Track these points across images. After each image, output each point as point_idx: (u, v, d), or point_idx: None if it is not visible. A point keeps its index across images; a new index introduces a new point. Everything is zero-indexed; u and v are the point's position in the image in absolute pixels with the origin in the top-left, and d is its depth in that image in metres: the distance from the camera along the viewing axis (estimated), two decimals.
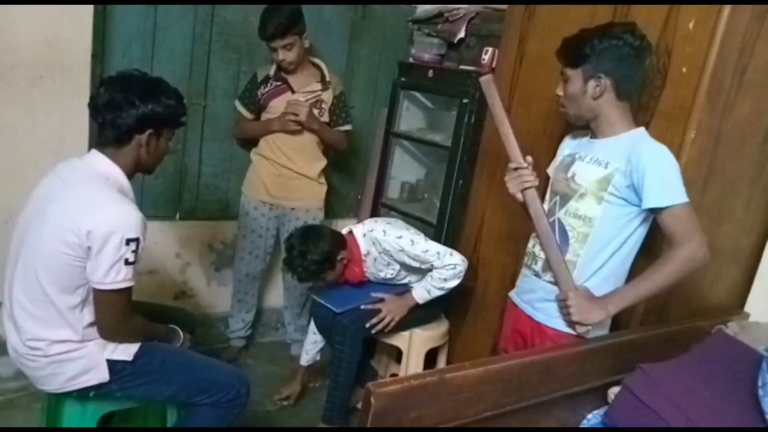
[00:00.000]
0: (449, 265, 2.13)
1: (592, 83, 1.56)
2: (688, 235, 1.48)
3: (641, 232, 1.60)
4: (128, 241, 1.49)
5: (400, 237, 2.15)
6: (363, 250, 2.22)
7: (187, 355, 1.80)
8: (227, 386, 1.75)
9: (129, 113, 1.55)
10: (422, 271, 2.23)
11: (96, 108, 1.58)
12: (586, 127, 1.68)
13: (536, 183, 1.67)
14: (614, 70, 1.54)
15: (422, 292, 2.18)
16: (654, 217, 1.55)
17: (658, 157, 1.51)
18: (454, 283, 2.15)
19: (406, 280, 2.32)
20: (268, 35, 2.42)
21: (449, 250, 2.16)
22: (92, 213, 1.48)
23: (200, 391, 1.71)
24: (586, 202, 1.60)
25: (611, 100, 1.57)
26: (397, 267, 2.22)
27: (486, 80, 1.75)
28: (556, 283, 1.64)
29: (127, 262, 1.50)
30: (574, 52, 1.58)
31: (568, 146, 1.76)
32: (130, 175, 1.63)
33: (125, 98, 1.55)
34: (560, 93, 1.64)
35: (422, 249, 2.13)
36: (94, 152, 1.61)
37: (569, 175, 1.66)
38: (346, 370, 2.17)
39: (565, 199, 1.66)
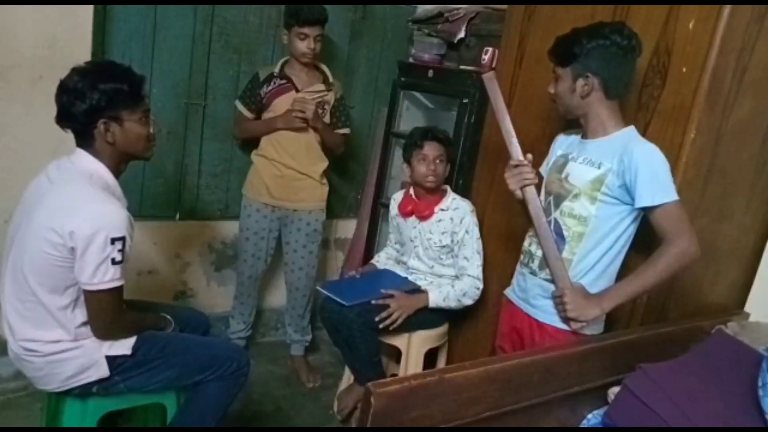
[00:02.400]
0: (477, 278, 2.20)
1: (580, 82, 1.59)
2: (680, 232, 1.50)
3: (633, 230, 1.62)
4: (113, 241, 1.47)
5: (477, 225, 2.24)
6: (446, 204, 2.27)
7: (182, 337, 1.80)
8: (228, 359, 1.75)
9: (71, 113, 1.53)
10: (445, 276, 2.28)
11: (56, 117, 1.57)
12: (578, 125, 1.70)
13: (536, 180, 1.69)
14: (602, 70, 1.57)
15: (438, 296, 2.20)
16: (645, 214, 1.56)
17: (649, 156, 1.53)
18: (468, 301, 2.23)
19: (431, 270, 2.33)
20: (310, 18, 2.43)
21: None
22: (75, 213, 1.46)
23: (202, 368, 1.72)
24: (580, 202, 1.62)
25: (599, 99, 1.60)
26: (448, 242, 2.25)
27: (488, 77, 1.77)
28: (552, 281, 1.66)
29: (114, 262, 1.49)
30: (564, 51, 1.61)
31: (560, 146, 1.78)
32: (116, 170, 1.61)
33: (66, 100, 1.53)
34: (552, 91, 1.67)
35: (478, 248, 2.23)
36: (79, 150, 1.59)
37: (563, 175, 1.68)
38: (366, 349, 2.15)
39: (559, 199, 1.67)
